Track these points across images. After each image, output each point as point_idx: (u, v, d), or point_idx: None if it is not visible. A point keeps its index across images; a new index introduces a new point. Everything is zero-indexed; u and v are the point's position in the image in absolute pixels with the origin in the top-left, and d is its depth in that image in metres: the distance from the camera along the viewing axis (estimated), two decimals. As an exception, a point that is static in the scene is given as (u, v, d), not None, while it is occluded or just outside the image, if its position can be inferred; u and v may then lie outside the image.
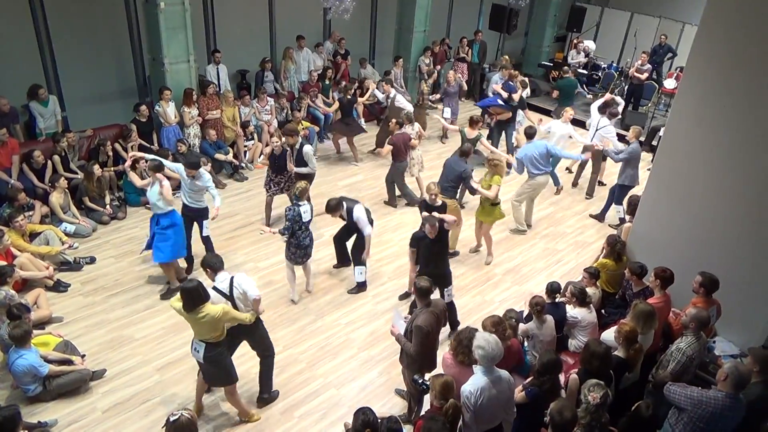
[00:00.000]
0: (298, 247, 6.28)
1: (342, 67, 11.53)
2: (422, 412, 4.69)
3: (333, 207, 6.34)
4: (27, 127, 8.31)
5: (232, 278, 4.80)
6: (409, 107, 9.83)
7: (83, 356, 5.51)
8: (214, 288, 4.76)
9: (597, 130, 8.88)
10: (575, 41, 14.35)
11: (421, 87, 11.24)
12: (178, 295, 4.46)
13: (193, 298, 4.34)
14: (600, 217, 8.87)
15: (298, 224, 6.17)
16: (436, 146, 11.08)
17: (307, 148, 7.48)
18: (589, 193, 9.59)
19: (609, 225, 8.64)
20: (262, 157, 9.61)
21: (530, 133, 8.30)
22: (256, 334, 4.99)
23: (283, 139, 7.46)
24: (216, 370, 4.71)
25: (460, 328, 4.61)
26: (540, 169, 7.93)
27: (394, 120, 8.67)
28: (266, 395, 5.29)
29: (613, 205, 8.53)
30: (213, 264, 4.87)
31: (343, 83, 10.67)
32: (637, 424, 3.87)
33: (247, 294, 4.75)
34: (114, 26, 8.99)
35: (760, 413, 4.29)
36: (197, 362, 4.75)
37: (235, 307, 4.75)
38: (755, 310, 5.47)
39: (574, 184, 9.89)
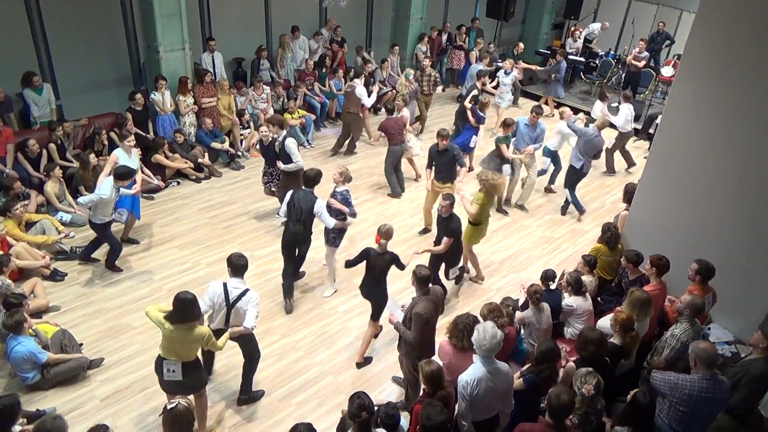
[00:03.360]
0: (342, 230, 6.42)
1: (339, 55, 11.45)
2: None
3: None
4: (22, 116, 8.26)
5: (246, 291, 4.66)
6: (367, 102, 9.58)
7: (81, 345, 5.52)
8: (224, 284, 4.67)
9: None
10: (572, 28, 14.28)
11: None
12: (160, 305, 4.35)
13: (186, 311, 4.16)
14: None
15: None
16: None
17: (289, 142, 7.07)
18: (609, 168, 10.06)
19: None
20: (255, 144, 9.42)
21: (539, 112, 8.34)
22: (246, 335, 4.80)
23: (268, 127, 7.27)
24: (192, 382, 4.48)
25: (458, 314, 4.63)
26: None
27: (384, 107, 8.66)
28: (245, 396, 5.20)
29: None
30: (234, 264, 4.72)
31: (340, 71, 10.60)
32: (637, 412, 3.90)
33: (246, 318, 4.59)
34: (108, 13, 8.90)
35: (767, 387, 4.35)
36: (164, 381, 4.43)
37: (227, 316, 4.66)
38: (750, 297, 5.51)
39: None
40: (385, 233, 5.40)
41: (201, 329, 4.29)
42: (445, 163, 7.22)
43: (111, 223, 6.48)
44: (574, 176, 8.31)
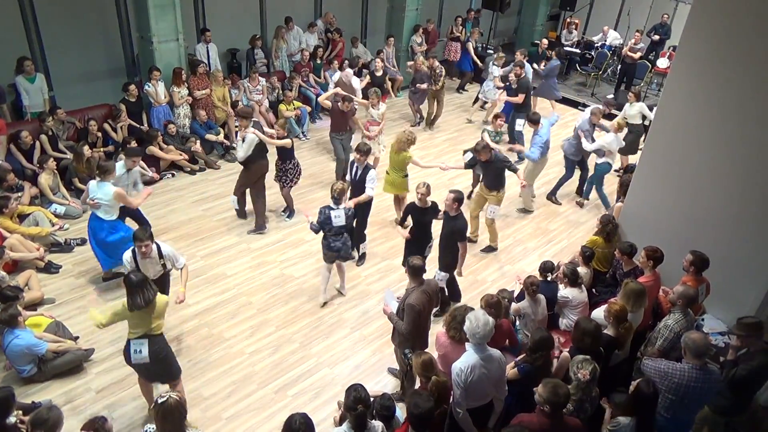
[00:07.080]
0: (328, 248, 6.11)
1: (339, 45, 11.36)
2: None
3: None
4: (14, 107, 8.19)
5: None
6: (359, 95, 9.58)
7: (76, 338, 5.51)
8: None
9: None
10: (568, 20, 14.25)
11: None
12: (101, 308, 4.37)
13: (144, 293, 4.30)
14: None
15: (328, 227, 5.99)
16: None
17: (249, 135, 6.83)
18: None
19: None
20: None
21: (534, 120, 8.02)
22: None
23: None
24: (163, 365, 4.54)
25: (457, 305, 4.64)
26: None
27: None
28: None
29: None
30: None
31: (336, 62, 10.52)
32: (640, 401, 3.91)
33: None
34: (101, 3, 8.82)
35: None
36: (135, 365, 4.52)
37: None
38: (743, 288, 5.54)
39: None
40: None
41: (161, 299, 4.49)
42: (491, 172, 7.15)
43: None
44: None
